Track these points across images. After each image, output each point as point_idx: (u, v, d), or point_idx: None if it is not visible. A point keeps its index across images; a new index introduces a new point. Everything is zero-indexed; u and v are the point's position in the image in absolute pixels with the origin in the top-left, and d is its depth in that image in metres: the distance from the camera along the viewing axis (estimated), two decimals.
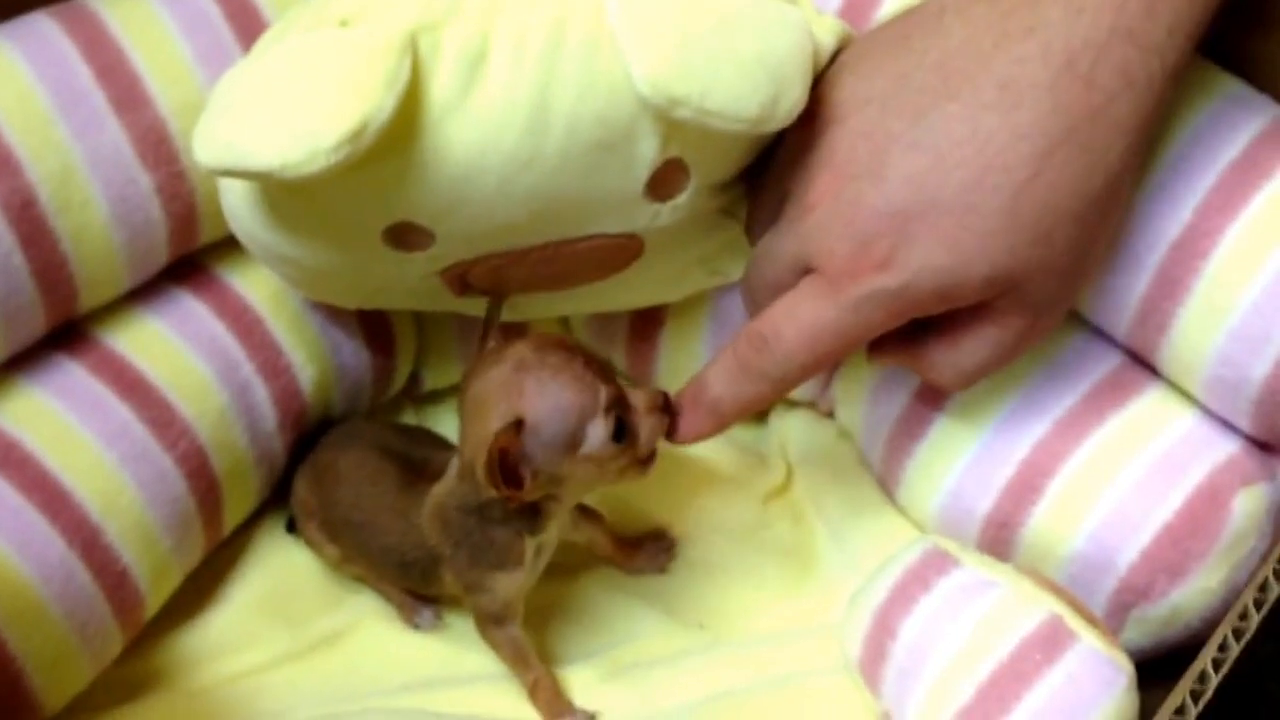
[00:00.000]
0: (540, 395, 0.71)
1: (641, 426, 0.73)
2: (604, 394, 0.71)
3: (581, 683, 0.84)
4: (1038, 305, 0.70)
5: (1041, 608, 0.70)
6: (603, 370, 0.73)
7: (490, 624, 0.81)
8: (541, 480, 0.72)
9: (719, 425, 0.74)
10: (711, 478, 0.97)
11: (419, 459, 0.83)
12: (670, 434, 0.75)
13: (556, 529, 0.79)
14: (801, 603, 0.90)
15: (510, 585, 0.79)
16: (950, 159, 0.66)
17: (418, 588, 0.86)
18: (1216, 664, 0.66)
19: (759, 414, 1.01)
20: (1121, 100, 0.65)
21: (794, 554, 0.92)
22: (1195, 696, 0.65)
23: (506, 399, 0.71)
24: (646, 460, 0.75)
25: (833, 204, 0.69)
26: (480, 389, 0.73)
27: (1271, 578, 0.70)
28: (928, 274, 0.67)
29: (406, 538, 0.78)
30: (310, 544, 0.89)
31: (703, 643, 0.87)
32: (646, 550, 0.91)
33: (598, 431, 0.71)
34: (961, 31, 0.68)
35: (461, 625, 0.88)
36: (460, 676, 0.86)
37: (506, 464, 0.70)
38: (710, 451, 0.97)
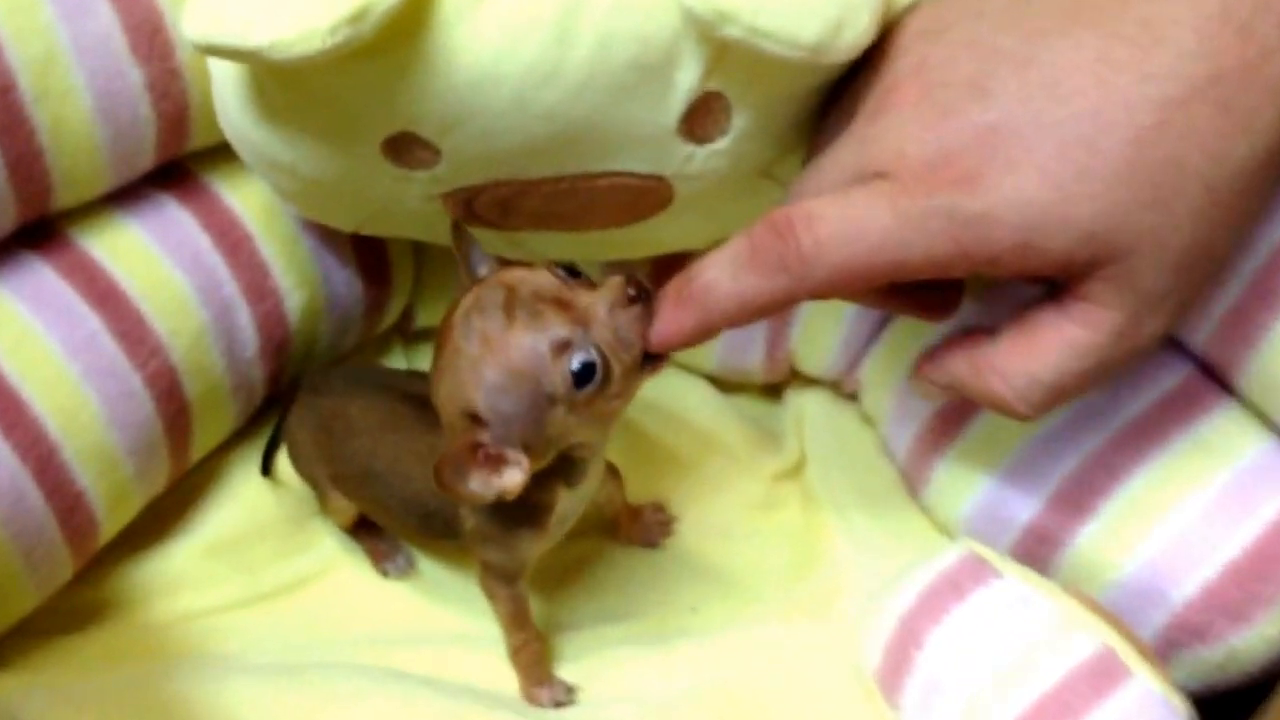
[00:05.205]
0: (480, 379, 0.61)
1: (618, 328, 0.61)
2: (547, 340, 0.60)
3: (566, 652, 0.78)
4: (1139, 297, 0.56)
5: (1092, 635, 0.61)
6: (553, 300, 0.61)
7: (497, 579, 0.74)
8: (542, 447, 0.62)
9: (704, 324, 0.60)
10: (717, 450, 0.90)
11: None
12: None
13: (595, 477, 0.72)
14: (804, 595, 0.81)
15: (532, 544, 0.72)
16: (1067, 84, 0.54)
17: (439, 538, 0.79)
18: None
19: (773, 388, 0.94)
20: (1279, 59, 0.54)
21: (800, 541, 0.85)
22: None
23: (454, 397, 0.62)
24: (652, 361, 0.62)
25: (914, 108, 0.57)
26: (436, 381, 0.64)
27: None
28: (1015, 208, 0.54)
29: (431, 485, 0.68)
30: (318, 496, 0.83)
31: (696, 627, 0.80)
32: (643, 521, 0.85)
33: (555, 382, 0.60)
34: None
35: (434, 577, 0.83)
36: (431, 635, 0.80)
37: (489, 455, 0.61)
38: (718, 424, 0.92)
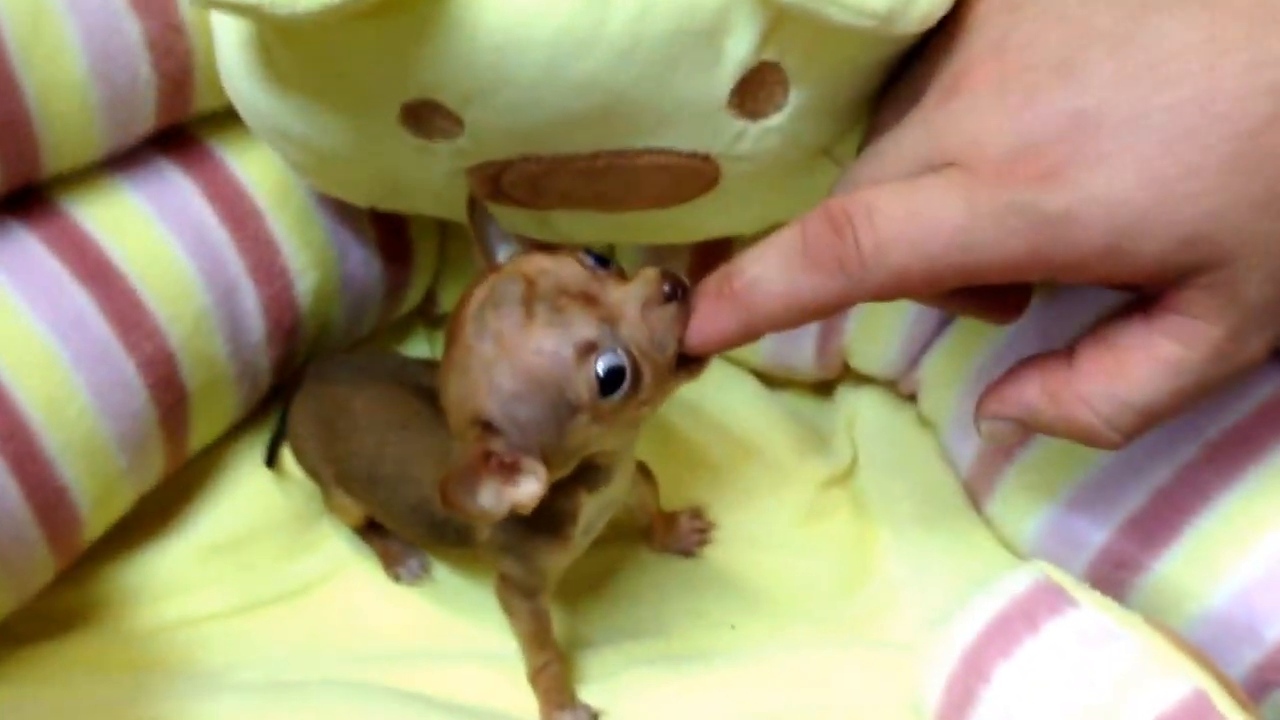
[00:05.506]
0: (494, 385, 0.55)
1: (650, 328, 0.56)
2: (571, 342, 0.54)
3: (590, 672, 0.75)
4: (1242, 309, 0.51)
5: (1182, 677, 0.56)
6: (579, 295, 0.56)
7: (516, 593, 0.70)
8: (562, 457, 0.58)
9: (747, 325, 0.55)
10: (761, 453, 0.86)
11: None
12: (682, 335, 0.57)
13: (622, 482, 0.67)
14: (853, 614, 0.78)
15: (553, 556, 0.68)
16: (1170, 68, 0.49)
17: (450, 546, 0.76)
18: None
19: (824, 385, 0.90)
20: None
21: (849, 554, 0.81)
22: None
23: (464, 403, 0.57)
24: (688, 363, 0.57)
25: (994, 91, 0.52)
26: (444, 382, 0.59)
27: None
28: (1105, 207, 0.49)
29: None
30: (323, 492, 0.80)
31: (733, 646, 0.76)
32: (678, 528, 0.80)
33: (578, 389, 0.55)
34: None
35: (450, 583, 0.80)
36: (444, 649, 0.76)
37: (503, 464, 0.57)
38: (763, 423, 0.88)
